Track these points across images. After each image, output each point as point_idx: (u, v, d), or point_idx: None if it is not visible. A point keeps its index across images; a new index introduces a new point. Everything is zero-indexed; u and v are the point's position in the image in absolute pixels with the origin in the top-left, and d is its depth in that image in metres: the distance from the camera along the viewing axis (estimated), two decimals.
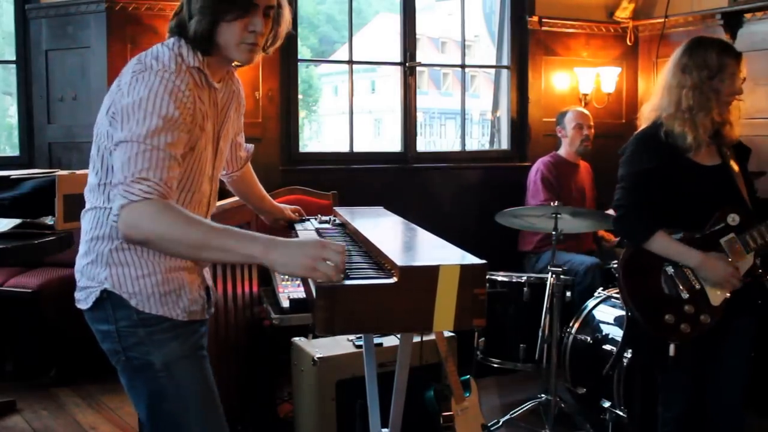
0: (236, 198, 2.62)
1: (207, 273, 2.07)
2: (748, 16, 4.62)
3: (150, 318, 1.84)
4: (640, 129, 2.77)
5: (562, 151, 4.67)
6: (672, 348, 2.59)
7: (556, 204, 3.63)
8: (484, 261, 1.54)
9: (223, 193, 2.68)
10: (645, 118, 2.76)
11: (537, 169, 4.62)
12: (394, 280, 1.49)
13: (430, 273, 1.49)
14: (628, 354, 3.30)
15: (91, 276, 1.87)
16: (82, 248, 1.92)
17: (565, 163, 4.64)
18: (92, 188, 1.89)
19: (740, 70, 2.66)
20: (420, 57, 5.01)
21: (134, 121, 1.69)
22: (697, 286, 2.59)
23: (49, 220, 3.56)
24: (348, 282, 1.52)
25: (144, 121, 1.69)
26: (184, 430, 1.88)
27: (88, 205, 1.91)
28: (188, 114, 1.77)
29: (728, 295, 2.58)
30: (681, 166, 2.64)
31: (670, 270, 2.61)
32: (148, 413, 1.90)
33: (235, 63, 1.96)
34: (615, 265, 3.19)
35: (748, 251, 2.59)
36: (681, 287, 2.60)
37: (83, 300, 1.89)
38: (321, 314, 1.46)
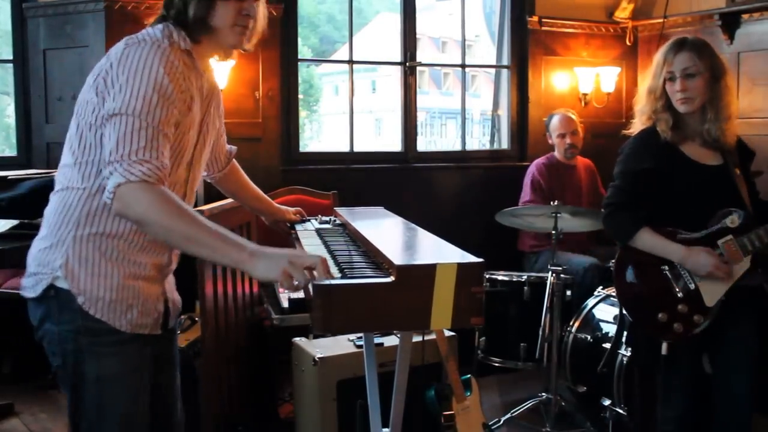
0: None
1: (170, 284, 2.02)
2: (745, 16, 4.64)
3: (95, 328, 1.79)
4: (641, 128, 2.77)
5: (557, 153, 4.67)
6: (664, 346, 2.59)
7: (555, 203, 3.63)
8: (481, 259, 1.53)
9: (223, 195, 2.68)
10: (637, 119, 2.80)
11: (530, 170, 4.65)
12: (391, 279, 1.49)
13: (427, 271, 1.49)
14: (627, 352, 3.30)
15: (44, 262, 1.81)
16: (42, 232, 1.86)
17: (559, 165, 4.64)
18: (66, 167, 1.85)
19: (670, 63, 2.64)
20: (420, 57, 5.01)
21: (128, 92, 1.69)
22: (692, 287, 2.58)
23: None
24: (345, 281, 1.52)
25: (139, 93, 1.68)
26: None
27: (58, 186, 1.87)
28: (179, 90, 1.77)
29: (723, 297, 2.57)
30: (680, 164, 2.64)
31: (665, 269, 2.61)
32: (71, 415, 1.88)
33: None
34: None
35: (746, 254, 2.57)
36: (675, 287, 2.59)
37: (30, 287, 1.84)
38: (318, 313, 1.46)
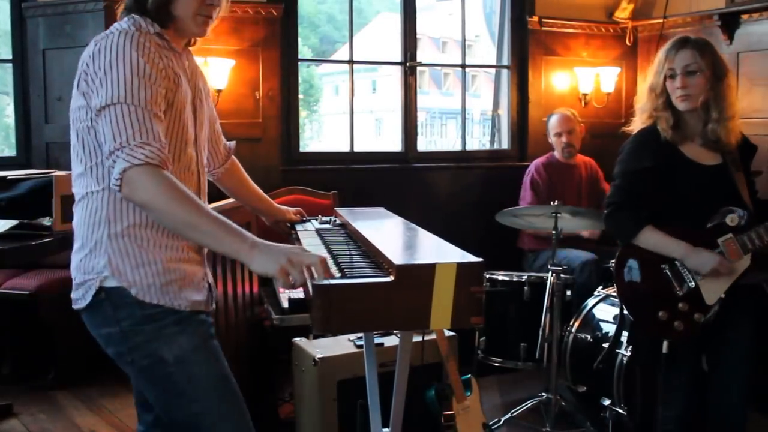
0: None
1: (208, 269, 2.04)
2: (744, 17, 4.65)
3: (155, 313, 1.80)
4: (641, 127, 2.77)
5: (556, 152, 4.67)
6: (665, 345, 2.60)
7: (555, 203, 3.62)
8: (481, 259, 1.53)
9: (223, 194, 2.68)
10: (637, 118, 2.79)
11: (529, 171, 4.66)
12: (390, 278, 1.49)
13: (427, 271, 1.49)
14: (627, 352, 3.30)
15: (88, 268, 1.82)
16: (76, 243, 1.87)
17: (559, 164, 4.64)
18: (80, 176, 1.86)
19: (671, 61, 2.64)
20: (421, 57, 5.01)
21: (108, 83, 1.70)
22: (692, 285, 2.58)
23: (46, 221, 3.56)
24: (344, 281, 1.51)
25: (119, 81, 1.70)
26: (205, 422, 1.84)
27: (77, 197, 1.88)
28: (157, 68, 1.78)
29: (723, 295, 2.57)
30: (679, 164, 2.64)
31: (665, 267, 2.61)
32: (166, 409, 1.88)
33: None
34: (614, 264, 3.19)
35: (746, 252, 2.57)
36: (676, 285, 2.59)
37: (81, 298, 1.84)
38: (317, 313, 1.46)
